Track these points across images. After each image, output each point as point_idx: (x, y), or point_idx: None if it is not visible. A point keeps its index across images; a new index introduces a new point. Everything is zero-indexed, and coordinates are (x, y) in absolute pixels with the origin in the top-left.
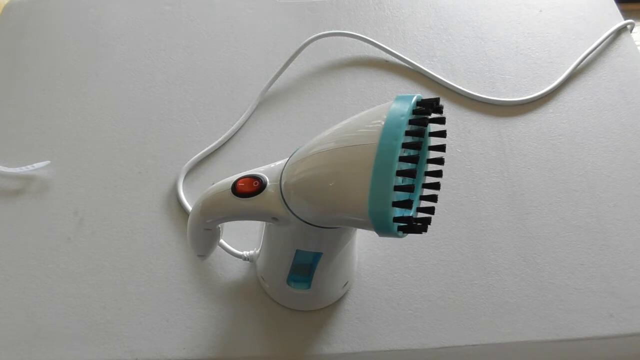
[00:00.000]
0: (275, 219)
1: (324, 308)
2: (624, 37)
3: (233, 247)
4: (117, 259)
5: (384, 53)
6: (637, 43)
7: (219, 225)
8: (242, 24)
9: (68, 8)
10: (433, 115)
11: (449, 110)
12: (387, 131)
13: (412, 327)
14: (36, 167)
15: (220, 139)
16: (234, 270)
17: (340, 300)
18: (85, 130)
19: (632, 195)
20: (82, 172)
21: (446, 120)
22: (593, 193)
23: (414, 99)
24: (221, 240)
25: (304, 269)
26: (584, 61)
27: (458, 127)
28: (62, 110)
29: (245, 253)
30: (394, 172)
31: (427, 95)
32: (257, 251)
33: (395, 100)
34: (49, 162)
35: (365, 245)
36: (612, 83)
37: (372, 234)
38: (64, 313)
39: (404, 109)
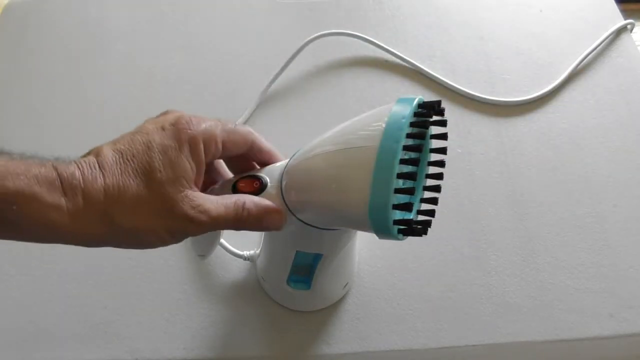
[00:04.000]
0: None
1: (324, 308)
2: (624, 37)
3: (233, 247)
4: (117, 259)
5: (384, 53)
6: (637, 43)
7: None
8: (242, 24)
9: (68, 8)
10: (435, 118)
11: (449, 110)
12: (388, 133)
13: (412, 327)
14: None
15: None
16: (234, 271)
17: (340, 301)
18: (85, 130)
19: (632, 196)
20: None
21: (446, 119)
22: (593, 193)
23: (416, 101)
24: (222, 240)
25: (304, 270)
26: (584, 61)
27: (458, 128)
28: (62, 110)
29: (246, 253)
30: (395, 175)
31: (427, 95)
32: (258, 251)
33: (396, 103)
34: None
35: (365, 245)
36: (612, 83)
37: (373, 235)
38: (64, 313)
39: (405, 111)
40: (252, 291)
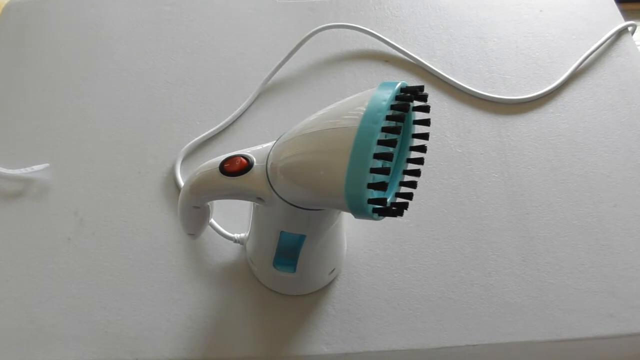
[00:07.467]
0: (260, 199)
1: (325, 306)
2: (624, 37)
3: (225, 230)
4: (117, 259)
5: (385, 47)
6: (637, 43)
7: (209, 204)
8: (242, 24)
9: (68, 8)
10: (417, 103)
11: (450, 107)
12: (368, 115)
13: (412, 327)
14: (35, 169)
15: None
16: (236, 271)
17: (340, 301)
18: (85, 130)
19: (632, 195)
20: (82, 172)
21: (446, 119)
22: (593, 193)
23: (398, 85)
24: (218, 227)
25: (290, 253)
26: (584, 62)
27: (458, 127)
28: (62, 110)
29: (236, 236)
30: (372, 155)
31: (426, 90)
32: (247, 234)
33: (379, 86)
34: (47, 165)
35: (365, 245)
36: (612, 83)
37: (373, 234)
38: (64, 313)
39: (387, 94)
40: (253, 292)
